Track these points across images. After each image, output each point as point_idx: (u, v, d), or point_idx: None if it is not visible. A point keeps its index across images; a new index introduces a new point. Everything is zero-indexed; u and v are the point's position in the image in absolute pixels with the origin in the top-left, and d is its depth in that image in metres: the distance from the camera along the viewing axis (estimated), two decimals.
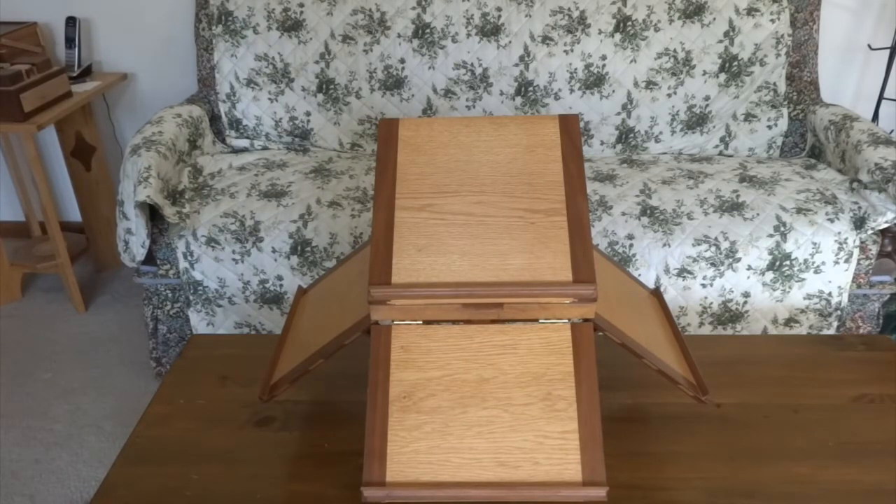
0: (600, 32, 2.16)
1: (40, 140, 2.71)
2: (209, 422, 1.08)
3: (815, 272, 1.80)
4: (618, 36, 2.16)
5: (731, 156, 2.22)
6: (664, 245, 1.79)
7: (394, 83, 2.23)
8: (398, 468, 0.85)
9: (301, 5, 2.19)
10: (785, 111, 2.20)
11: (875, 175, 1.80)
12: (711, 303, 1.83)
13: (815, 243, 1.77)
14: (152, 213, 1.84)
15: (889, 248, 1.83)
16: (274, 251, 1.83)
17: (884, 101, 2.34)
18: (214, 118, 2.27)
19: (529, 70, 2.19)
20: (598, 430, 0.85)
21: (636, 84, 2.18)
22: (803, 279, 1.81)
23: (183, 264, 1.87)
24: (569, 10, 2.16)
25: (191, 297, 1.91)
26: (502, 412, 0.87)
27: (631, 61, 2.17)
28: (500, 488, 0.83)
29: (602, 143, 2.25)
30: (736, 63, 2.16)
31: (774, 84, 2.19)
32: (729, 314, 1.85)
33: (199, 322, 1.94)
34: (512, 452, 0.85)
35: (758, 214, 1.82)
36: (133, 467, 1.01)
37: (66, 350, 2.20)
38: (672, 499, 0.94)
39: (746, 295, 1.82)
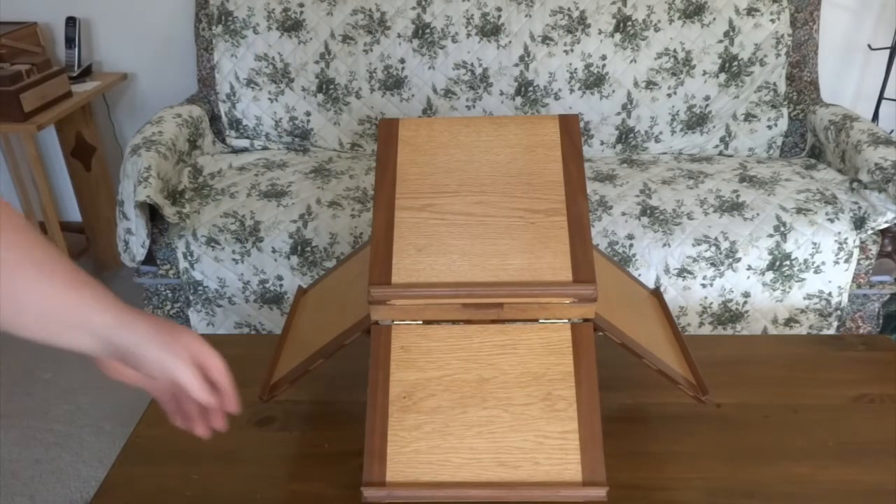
0: (600, 32, 2.16)
1: (40, 140, 2.71)
2: None
3: (815, 272, 1.80)
4: (618, 36, 2.16)
5: (731, 156, 2.22)
6: (664, 245, 1.79)
7: (394, 83, 2.23)
8: (398, 468, 0.85)
9: (301, 5, 2.19)
10: (785, 111, 2.20)
11: (875, 175, 1.80)
12: (711, 303, 1.83)
13: (815, 243, 1.77)
14: (152, 213, 1.84)
15: (889, 248, 1.83)
16: (274, 251, 1.83)
17: (884, 101, 2.34)
18: (214, 118, 2.27)
19: (529, 70, 2.19)
20: (598, 430, 0.85)
21: (636, 84, 2.18)
22: (803, 279, 1.81)
23: (183, 264, 1.87)
24: (569, 10, 2.16)
25: (191, 297, 1.92)
26: (502, 412, 0.87)
27: (631, 61, 2.17)
28: (500, 488, 0.83)
29: (602, 143, 2.25)
30: (736, 63, 2.16)
31: (774, 84, 2.19)
32: (729, 314, 1.85)
33: (199, 322, 1.95)
34: (512, 452, 0.85)
35: (758, 214, 1.82)
36: (133, 467, 1.01)
37: (66, 350, 2.20)
38: (672, 499, 0.94)
39: (746, 295, 1.82)
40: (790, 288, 1.81)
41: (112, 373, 0.74)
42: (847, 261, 1.79)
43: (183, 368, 0.70)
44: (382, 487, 0.84)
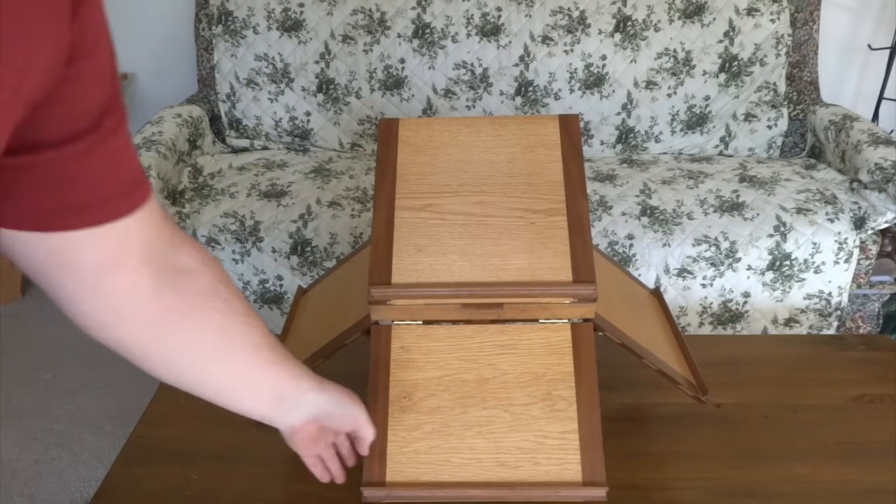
0: (600, 32, 2.16)
1: None
2: (209, 422, 1.07)
3: (815, 272, 1.80)
4: (618, 36, 2.16)
5: (731, 156, 2.22)
6: (664, 245, 1.79)
7: (394, 83, 2.23)
8: (398, 468, 0.85)
9: (301, 5, 2.19)
10: (785, 111, 2.20)
11: (875, 175, 1.80)
12: (711, 303, 1.83)
13: (815, 243, 1.77)
14: None
15: (889, 248, 1.83)
16: (274, 251, 1.83)
17: (884, 101, 2.34)
18: (214, 118, 2.27)
19: (529, 70, 2.19)
20: (598, 430, 0.85)
21: (636, 84, 2.18)
22: (803, 279, 1.81)
23: None
24: (569, 10, 2.16)
25: None
26: (502, 412, 0.87)
27: (631, 61, 2.17)
28: (500, 488, 0.83)
29: (602, 143, 2.25)
30: (736, 63, 2.16)
31: (774, 84, 2.19)
32: (729, 314, 1.85)
33: None
34: (512, 452, 0.85)
35: (758, 214, 1.82)
36: (133, 467, 1.01)
37: (66, 350, 2.20)
38: (672, 499, 0.94)
39: (746, 295, 1.82)
40: (790, 288, 1.81)
41: (298, 443, 0.81)
42: (847, 261, 1.79)
43: (368, 420, 0.82)
44: (382, 487, 0.84)
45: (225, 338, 0.69)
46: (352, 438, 0.85)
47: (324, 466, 0.85)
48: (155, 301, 0.63)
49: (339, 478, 0.86)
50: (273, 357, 0.74)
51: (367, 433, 0.83)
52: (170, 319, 0.65)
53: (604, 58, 2.17)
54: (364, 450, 0.84)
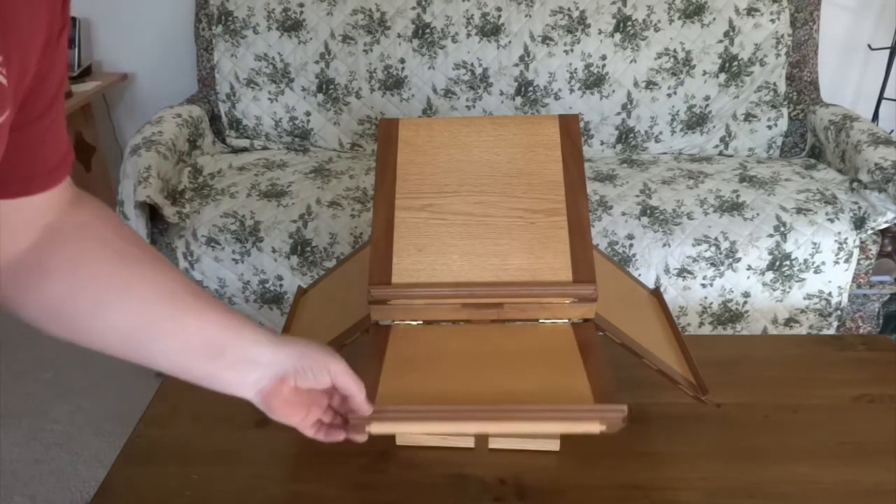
0: (600, 32, 2.16)
1: None
2: (209, 422, 1.07)
3: (815, 272, 1.80)
4: (618, 36, 2.16)
5: (731, 156, 2.22)
6: (664, 245, 1.79)
7: (394, 83, 2.23)
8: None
9: (301, 5, 2.19)
10: (785, 111, 2.20)
11: (875, 175, 1.80)
12: (711, 303, 1.83)
13: (815, 243, 1.77)
14: (152, 213, 1.84)
15: (889, 248, 1.83)
16: (274, 251, 1.83)
17: (884, 101, 2.34)
18: (214, 118, 2.27)
19: (529, 70, 2.19)
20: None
21: (636, 84, 2.18)
22: (803, 279, 1.80)
23: (183, 264, 1.87)
24: (569, 10, 2.16)
25: None
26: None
27: (631, 61, 2.17)
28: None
29: (602, 143, 2.25)
30: (736, 63, 2.16)
31: (774, 84, 2.19)
32: (729, 314, 1.84)
33: None
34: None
35: (758, 214, 1.82)
36: (133, 467, 1.01)
37: (66, 350, 2.20)
38: (672, 499, 0.94)
39: (746, 295, 1.82)
40: (790, 288, 1.81)
41: (280, 411, 0.73)
42: (847, 261, 1.79)
43: (349, 371, 0.73)
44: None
45: (120, 283, 0.62)
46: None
47: (329, 428, 0.78)
48: (28, 255, 0.60)
49: (341, 435, 0.78)
50: (196, 304, 0.65)
51: (349, 384, 0.73)
52: (44, 269, 0.60)
53: (604, 58, 2.17)
54: (363, 407, 0.74)
